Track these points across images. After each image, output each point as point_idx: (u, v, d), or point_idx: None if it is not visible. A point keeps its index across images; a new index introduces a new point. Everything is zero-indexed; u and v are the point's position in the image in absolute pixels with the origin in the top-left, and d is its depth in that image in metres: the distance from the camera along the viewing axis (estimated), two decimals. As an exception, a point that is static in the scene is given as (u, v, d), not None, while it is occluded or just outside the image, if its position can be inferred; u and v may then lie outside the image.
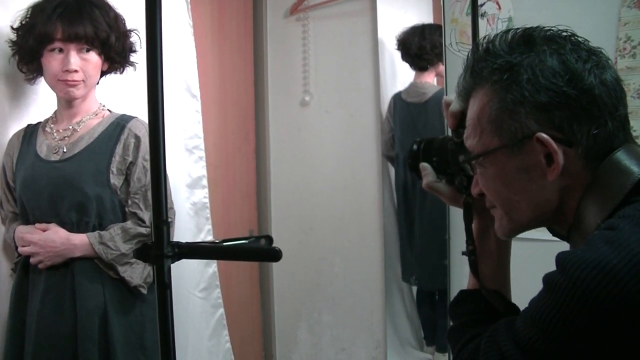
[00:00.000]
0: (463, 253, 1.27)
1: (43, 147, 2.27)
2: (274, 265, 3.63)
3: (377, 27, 3.26)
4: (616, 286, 0.88)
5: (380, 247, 3.35)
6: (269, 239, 1.23)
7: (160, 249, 1.02)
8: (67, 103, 2.28)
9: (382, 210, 3.34)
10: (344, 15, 3.35)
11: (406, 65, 3.36)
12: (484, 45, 1.12)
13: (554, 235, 1.18)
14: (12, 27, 2.26)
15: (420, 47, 3.36)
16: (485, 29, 2.83)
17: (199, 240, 3.03)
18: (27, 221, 2.24)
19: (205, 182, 3.05)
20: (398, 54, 3.38)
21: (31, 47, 2.19)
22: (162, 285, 1.01)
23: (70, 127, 2.28)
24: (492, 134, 1.09)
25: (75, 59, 2.19)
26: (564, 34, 1.09)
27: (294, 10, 3.44)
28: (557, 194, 1.07)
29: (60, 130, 2.29)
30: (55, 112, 2.34)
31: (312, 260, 3.53)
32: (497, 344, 1.03)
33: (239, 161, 3.51)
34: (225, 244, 1.14)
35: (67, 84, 2.21)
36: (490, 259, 1.24)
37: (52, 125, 2.31)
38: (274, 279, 3.65)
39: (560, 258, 0.96)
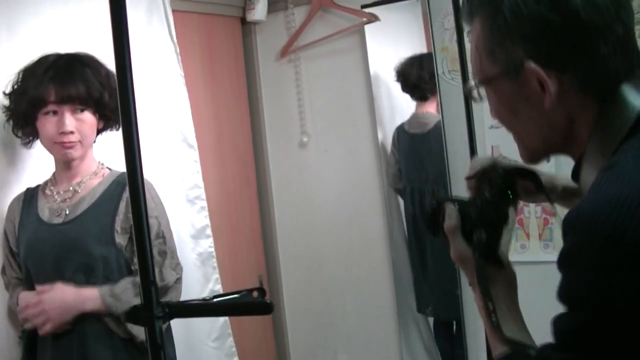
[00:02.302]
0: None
1: (45, 210, 2.25)
2: (286, 308, 3.60)
3: (368, 62, 3.27)
4: (635, 216, 0.85)
5: (390, 280, 3.32)
6: (261, 291, 1.21)
7: (150, 310, 1.00)
8: (65, 165, 2.27)
9: (389, 243, 3.32)
10: (335, 53, 3.36)
11: (405, 97, 3.36)
12: None
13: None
14: (4, 93, 2.26)
15: (419, 77, 3.36)
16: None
17: (208, 290, 3.01)
18: (31, 287, 2.21)
19: (209, 231, 3.04)
20: (394, 87, 3.39)
21: (25, 112, 2.19)
22: (155, 347, 0.99)
23: (71, 189, 2.27)
24: (488, 61, 1.09)
25: (70, 121, 2.18)
26: None
27: (284, 52, 3.46)
28: (564, 121, 1.05)
29: (61, 192, 2.28)
30: (54, 174, 2.33)
31: (324, 299, 3.50)
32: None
33: (241, 207, 3.49)
34: (215, 300, 1.12)
35: (64, 146, 2.20)
36: (508, 320, 1.14)
37: (52, 188, 2.30)
38: (287, 322, 3.61)
39: (567, 221, 0.92)
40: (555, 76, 1.01)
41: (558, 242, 2.75)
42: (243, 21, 3.54)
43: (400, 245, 3.40)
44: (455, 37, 2.89)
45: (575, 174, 1.09)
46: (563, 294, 0.93)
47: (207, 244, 3.03)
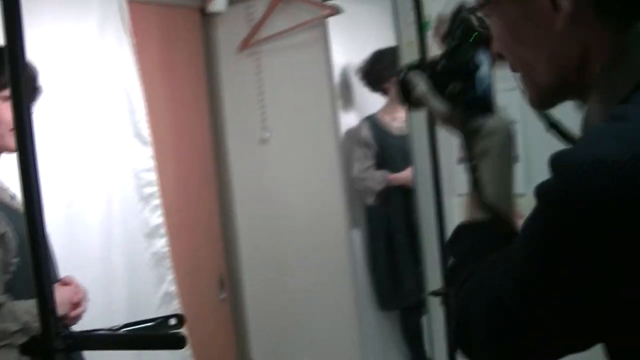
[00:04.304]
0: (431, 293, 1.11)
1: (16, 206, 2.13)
2: (249, 309, 3.50)
3: (330, 55, 3.18)
4: (619, 185, 0.71)
5: (351, 280, 3.24)
6: (179, 319, 1.10)
7: (50, 342, 0.88)
8: None
9: (349, 240, 3.24)
10: (296, 47, 3.26)
11: (365, 91, 3.29)
12: None
13: None
14: None
15: (380, 73, 3.30)
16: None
17: (162, 291, 2.90)
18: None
19: (163, 230, 2.94)
20: (357, 81, 3.31)
21: None
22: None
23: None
24: None
25: None
26: None
27: (245, 45, 3.34)
28: (575, 48, 0.88)
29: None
30: None
31: (285, 300, 3.41)
32: (492, 281, 0.86)
33: (200, 205, 3.38)
34: (125, 329, 1.01)
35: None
36: (492, 181, 1.05)
37: None
38: (248, 323, 3.51)
39: (553, 158, 0.77)
40: None
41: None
42: (203, 12, 3.42)
43: (361, 243, 3.34)
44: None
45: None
46: (525, 219, 0.82)
47: (161, 244, 2.93)
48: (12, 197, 2.18)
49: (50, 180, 2.48)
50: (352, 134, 3.46)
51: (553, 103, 0.97)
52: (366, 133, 3.45)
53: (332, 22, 3.17)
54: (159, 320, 1.10)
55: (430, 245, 2.65)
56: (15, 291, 2.03)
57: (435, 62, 1.11)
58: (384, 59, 3.29)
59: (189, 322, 2.98)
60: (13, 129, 2.02)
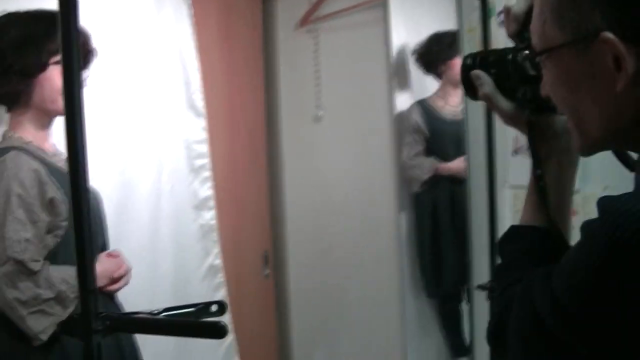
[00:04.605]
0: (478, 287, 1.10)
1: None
2: (292, 287, 3.49)
3: (390, 37, 3.12)
4: None
5: (398, 265, 3.20)
6: (221, 306, 1.08)
7: (88, 322, 0.87)
8: (48, 122, 2.14)
9: (397, 224, 3.20)
10: (356, 26, 3.21)
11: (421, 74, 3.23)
12: None
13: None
14: None
15: (437, 55, 3.23)
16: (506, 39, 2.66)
17: (207, 264, 2.90)
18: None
19: (212, 203, 2.93)
20: (414, 64, 3.24)
21: (33, 61, 2.00)
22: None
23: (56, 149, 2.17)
24: (554, 26, 0.87)
25: None
26: None
27: (304, 22, 3.31)
28: (633, 108, 0.84)
29: (50, 154, 2.16)
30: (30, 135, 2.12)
31: (329, 281, 3.39)
32: (531, 297, 0.87)
33: (250, 180, 3.37)
34: (165, 314, 0.99)
35: None
36: (553, 189, 1.06)
37: (42, 150, 2.14)
38: (290, 301, 3.51)
39: (600, 202, 0.79)
40: (635, 52, 0.81)
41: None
42: (264, -14, 3.40)
43: (410, 227, 3.29)
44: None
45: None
46: (570, 251, 0.84)
47: (210, 216, 2.92)
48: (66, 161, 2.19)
49: (104, 146, 2.52)
50: (403, 117, 3.40)
51: (598, 151, 0.95)
52: (417, 118, 3.38)
53: (393, 3, 3.11)
54: (200, 306, 1.08)
55: (480, 237, 2.59)
56: (62, 255, 2.04)
57: (501, 62, 1.08)
58: (441, 41, 3.21)
59: (232, 295, 3.02)
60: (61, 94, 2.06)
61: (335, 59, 3.29)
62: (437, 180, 3.34)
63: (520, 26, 0.99)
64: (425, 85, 3.37)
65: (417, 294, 3.48)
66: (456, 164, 3.14)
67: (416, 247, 3.49)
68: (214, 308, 1.09)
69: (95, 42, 2.28)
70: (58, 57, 2.02)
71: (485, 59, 1.11)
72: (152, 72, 2.76)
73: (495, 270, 1.06)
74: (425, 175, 3.33)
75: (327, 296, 3.40)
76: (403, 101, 3.42)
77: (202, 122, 2.91)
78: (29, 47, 2.00)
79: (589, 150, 0.95)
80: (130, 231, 2.62)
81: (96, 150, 2.45)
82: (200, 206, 2.90)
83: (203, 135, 2.92)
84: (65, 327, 0.90)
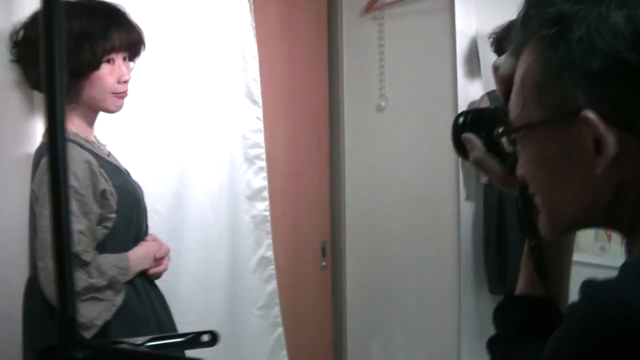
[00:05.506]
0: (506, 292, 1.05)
1: (118, 164, 2.20)
2: (349, 279, 3.43)
3: (454, 25, 2.98)
4: (626, 324, 0.70)
5: (456, 261, 3.08)
6: (213, 336, 1.02)
7: (66, 351, 0.82)
8: (93, 119, 2.14)
9: (459, 218, 3.08)
10: (421, 13, 3.09)
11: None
12: None
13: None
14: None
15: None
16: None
17: (257, 256, 2.87)
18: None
19: (266, 194, 2.89)
20: (483, 54, 3.09)
21: (87, 60, 2.00)
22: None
23: (103, 144, 2.19)
24: (534, 103, 0.83)
25: (126, 68, 2.11)
26: None
27: (369, 8, 3.21)
28: (610, 191, 0.80)
29: (101, 148, 2.17)
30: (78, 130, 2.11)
31: (386, 275, 3.31)
32: None
33: (311, 169, 3.31)
34: (151, 344, 0.93)
35: (121, 95, 2.10)
36: (551, 257, 1.01)
37: (91, 143, 2.12)
38: (346, 294, 3.45)
39: (584, 285, 0.76)
40: (616, 135, 0.76)
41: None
42: (329, -29, 3.32)
43: (473, 223, 3.16)
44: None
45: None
46: (554, 333, 0.81)
47: (263, 207, 2.88)
48: (109, 153, 2.19)
49: (163, 136, 2.51)
50: (473, 108, 3.26)
51: (570, 233, 0.95)
52: (487, 108, 3.24)
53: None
54: (190, 336, 1.02)
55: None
56: (109, 246, 2.05)
57: (493, 122, 1.02)
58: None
59: (289, 285, 2.98)
60: (114, 92, 2.06)
61: (400, 46, 3.18)
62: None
63: (508, 88, 0.91)
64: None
65: (479, 290, 3.37)
66: None
67: (482, 241, 3.37)
68: (205, 338, 1.03)
69: (152, 32, 2.28)
70: (111, 55, 2.03)
71: (478, 117, 1.08)
72: (211, 60, 2.73)
73: (488, 341, 1.01)
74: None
75: (384, 289, 3.32)
76: (473, 91, 3.29)
77: (257, 111, 2.86)
78: (85, 44, 2.00)
79: (558, 234, 0.92)
80: (189, 220, 2.63)
81: (155, 138, 2.47)
82: (253, 197, 2.86)
83: (259, 124, 2.87)
84: (42, 357, 0.85)
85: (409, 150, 3.20)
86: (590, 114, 0.76)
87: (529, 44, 0.85)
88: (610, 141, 0.76)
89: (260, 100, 2.86)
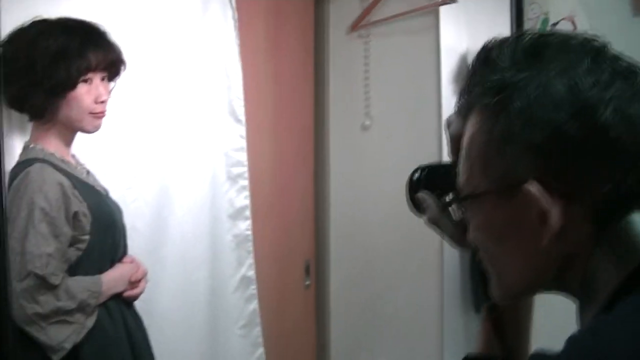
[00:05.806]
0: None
1: (96, 184, 2.20)
2: (333, 298, 3.41)
3: (440, 45, 2.97)
4: None
5: (440, 281, 3.06)
6: None
7: None
8: (70, 139, 2.13)
9: (442, 241, 3.06)
10: (407, 32, 3.08)
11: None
12: (485, 52, 0.83)
13: None
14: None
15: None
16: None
17: (240, 275, 2.84)
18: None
19: (248, 213, 2.87)
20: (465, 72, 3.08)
21: (64, 80, 1.99)
22: None
23: (80, 163, 2.18)
24: (480, 172, 0.82)
25: (104, 88, 2.10)
26: (592, 44, 0.80)
27: (356, 27, 3.20)
28: (557, 260, 0.79)
29: (78, 168, 2.15)
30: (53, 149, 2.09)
31: (371, 294, 3.28)
32: None
33: (295, 187, 3.28)
34: None
35: (98, 116, 2.09)
36: (512, 318, 1.02)
37: (65, 164, 2.09)
38: (330, 313, 3.42)
39: (531, 357, 0.77)
40: (561, 207, 0.75)
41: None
42: (315, -12, 3.30)
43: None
44: (538, 27, 2.61)
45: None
46: None
47: (245, 226, 2.86)
48: (88, 172, 2.17)
49: (143, 151, 2.49)
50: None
51: (519, 298, 0.96)
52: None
53: (445, 10, 2.97)
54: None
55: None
56: (84, 268, 2.03)
57: (447, 178, 0.98)
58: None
59: (272, 304, 2.95)
60: (92, 112, 2.05)
61: (386, 65, 3.17)
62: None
63: (458, 146, 0.89)
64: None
65: (465, 310, 3.35)
66: None
67: (469, 261, 3.35)
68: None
69: (135, 47, 2.27)
70: (88, 75, 2.01)
71: (433, 173, 1.08)
72: (194, 77, 2.71)
73: None
74: None
75: (369, 308, 3.30)
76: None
77: (241, 129, 2.84)
78: (60, 64, 1.99)
79: (508, 300, 0.93)
80: (169, 238, 2.60)
81: (135, 155, 2.44)
82: (235, 215, 2.83)
83: (241, 142, 2.85)
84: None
85: (394, 168, 3.18)
86: (533, 187, 0.75)
87: (474, 109, 0.83)
88: (554, 213, 0.75)
89: (243, 119, 2.84)
